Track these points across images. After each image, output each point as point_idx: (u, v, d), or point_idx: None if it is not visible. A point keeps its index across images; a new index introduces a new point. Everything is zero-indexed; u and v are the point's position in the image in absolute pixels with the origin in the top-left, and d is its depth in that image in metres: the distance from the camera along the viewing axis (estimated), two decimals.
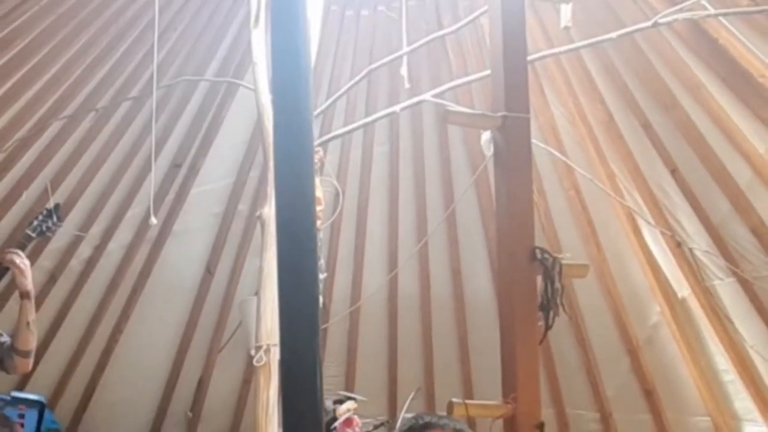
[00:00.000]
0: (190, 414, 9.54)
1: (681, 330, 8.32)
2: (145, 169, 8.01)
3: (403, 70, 7.05)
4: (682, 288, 8.06)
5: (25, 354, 5.98)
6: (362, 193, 8.83)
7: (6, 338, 6.03)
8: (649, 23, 6.32)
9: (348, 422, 6.79)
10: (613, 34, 6.51)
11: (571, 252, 6.33)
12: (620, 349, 8.68)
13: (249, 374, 8.56)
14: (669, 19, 6.26)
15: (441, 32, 7.23)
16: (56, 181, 8.01)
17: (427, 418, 3.87)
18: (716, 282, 7.80)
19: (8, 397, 7.53)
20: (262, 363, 6.44)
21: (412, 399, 7.93)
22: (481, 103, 7.31)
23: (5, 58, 7.15)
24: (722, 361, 8.17)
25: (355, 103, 8.19)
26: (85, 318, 8.97)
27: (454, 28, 7.13)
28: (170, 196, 8.55)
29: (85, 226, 8.40)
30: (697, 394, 8.55)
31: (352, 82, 7.57)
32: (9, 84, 7.31)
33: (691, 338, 8.37)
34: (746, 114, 6.92)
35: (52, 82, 7.53)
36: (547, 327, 4.93)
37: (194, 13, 7.58)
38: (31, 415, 7.51)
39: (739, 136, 7.04)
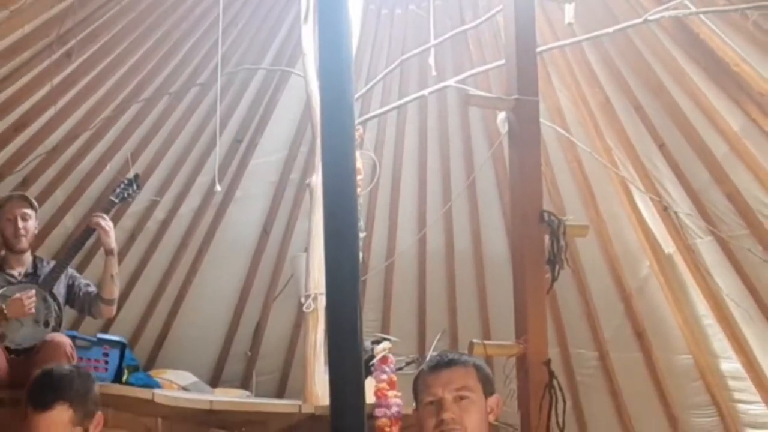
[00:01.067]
0: (249, 353, 9.87)
1: (667, 281, 8.67)
2: (211, 144, 8.22)
3: (431, 60, 7.38)
4: (668, 245, 8.40)
5: (109, 302, 6.54)
6: (395, 165, 9.14)
7: (93, 288, 6.53)
8: (640, 20, 6.77)
9: (384, 360, 6.81)
10: (609, 29, 6.93)
11: (573, 214, 7.61)
12: (615, 298, 8.99)
13: (299, 319, 8.78)
14: (657, 16, 6.72)
15: (463, 27, 7.62)
16: (135, 154, 8.17)
17: (451, 356, 3.75)
18: (697, 240, 8.15)
19: (94, 338, 7.23)
20: (310, 309, 7.16)
21: (438, 340, 8.25)
22: (496, 88, 7.43)
23: (92, 50, 7.45)
24: (702, 307, 8.51)
25: (390, 88, 8.52)
26: (159, 271, 9.33)
27: (474, 24, 7.56)
28: (232, 167, 8.89)
29: (160, 192, 8.75)
30: (681, 335, 8.86)
31: (387, 70, 8.02)
32: (95, 72, 7.62)
33: (676, 288, 8.66)
34: (723, 97, 7.32)
35: (132, 71, 7.84)
36: (553, 278, 5.61)
37: (252, 12, 7.87)
38: (114, 354, 7.12)
39: (717, 116, 7.42)
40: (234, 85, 8.41)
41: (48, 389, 3.90)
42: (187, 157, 8.72)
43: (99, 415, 3.95)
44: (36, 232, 6.75)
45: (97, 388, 4.09)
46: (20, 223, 6.44)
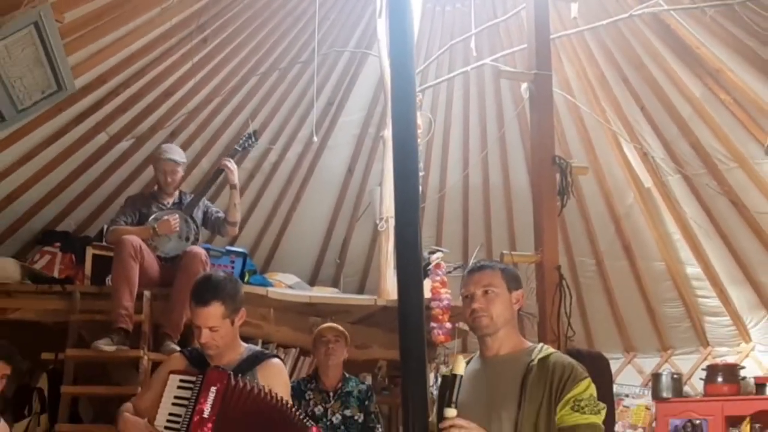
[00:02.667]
0: (338, 260, 10.90)
1: (646, 207, 9.71)
2: (310, 106, 8.95)
3: (472, 44, 8.40)
4: (647, 181, 9.40)
5: (233, 224, 7.25)
6: (446, 122, 10.00)
7: (221, 214, 7.29)
8: (626, 15, 7.73)
9: (437, 265, 7.55)
10: (604, 22, 7.90)
11: (577, 158, 8.64)
12: (609, 219, 10.03)
13: (375, 235, 9.40)
14: (639, 12, 7.64)
15: (495, 20, 8.56)
16: (253, 115, 9.18)
17: (483, 263, 3.97)
18: (668, 178, 9.25)
19: (224, 250, 7.92)
20: (383, 229, 8.05)
21: (477, 251, 9.55)
22: (521, 65, 8.15)
23: (222, 37, 8.31)
24: (672, 227, 9.65)
25: (441, 65, 9.32)
26: (271, 201, 10.28)
27: (503, 18, 8.47)
28: (326, 123, 9.69)
29: (272, 141, 9.57)
30: (656, 248, 9.98)
31: (440, 52, 8.95)
32: (224, 53, 8.48)
33: (653, 212, 9.72)
34: (687, 72, 8.39)
35: (251, 52, 8.68)
36: (562, 205, 6.88)
37: (341, 8, 8.74)
38: (238, 261, 7.82)
39: (683, 86, 8.49)
40: (327, 63, 9.11)
41: (206, 290, 4.13)
42: (292, 116, 9.56)
43: (242, 311, 4.19)
44: (182, 179, 7.43)
45: (243, 290, 4.36)
46: (169, 178, 7.11)
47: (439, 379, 4.11)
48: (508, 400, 3.59)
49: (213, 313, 4.00)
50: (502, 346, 3.71)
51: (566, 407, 3.48)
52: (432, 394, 4.61)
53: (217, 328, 4.01)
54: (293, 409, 4.08)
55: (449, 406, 3.48)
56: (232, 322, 4.11)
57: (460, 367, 3.51)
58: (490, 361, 3.75)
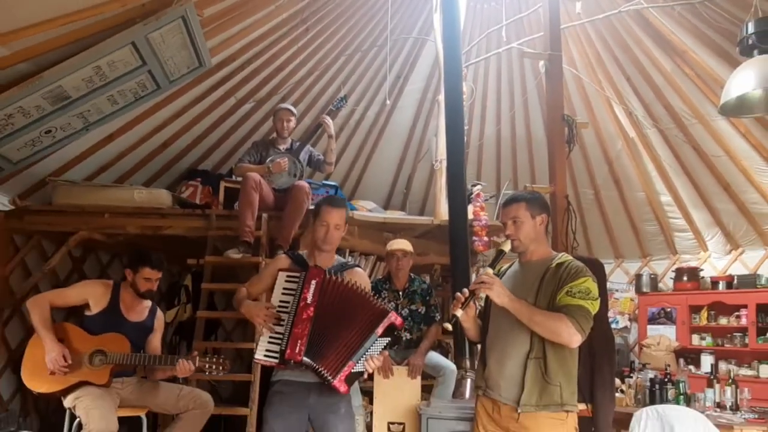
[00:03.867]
0: (405, 191, 11.46)
1: (631, 152, 10.37)
2: (384, 78, 9.69)
3: (503, 32, 9.02)
4: (632, 132, 10.10)
5: (330, 164, 7.78)
6: (483, 89, 10.50)
7: (321, 156, 7.82)
8: (616, 11, 8.30)
9: (477, 195, 8.02)
10: (600, 16, 8.45)
11: (580, 116, 9.27)
12: (603, 161, 10.74)
13: (432, 172, 9.89)
14: (626, 9, 8.15)
15: (520, 15, 9.04)
16: (343, 84, 9.72)
17: (513, 196, 4.23)
18: (647, 130, 9.95)
19: (321, 183, 8.38)
20: (438, 167, 8.51)
21: (507, 184, 10.24)
22: (539, 47, 8.18)
23: (319, 27, 8.62)
24: (650, 166, 10.36)
25: (480, 48, 9.74)
26: (356, 147, 11.02)
27: (526, 13, 8.97)
28: (395, 90, 10.19)
29: (356, 104, 10.17)
30: (638, 181, 10.65)
31: (479, 37, 9.55)
32: (320, 39, 8.90)
33: (635, 156, 10.36)
34: (660, 51, 8.92)
35: (341, 38, 9.12)
36: (569, 150, 7.55)
37: (407, 5, 9.13)
38: (332, 192, 8.16)
39: (658, 62, 9.04)
40: (397, 46, 9.51)
41: (338, 201, 4.48)
42: (371, 85, 10.10)
43: (346, 227, 4.40)
44: (294, 127, 7.85)
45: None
46: (285, 125, 7.63)
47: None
48: (531, 290, 3.98)
49: (341, 215, 4.40)
50: (532, 255, 4.13)
51: (562, 293, 3.87)
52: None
53: (340, 226, 4.39)
54: (374, 297, 4.37)
55: (491, 267, 4.08)
56: (340, 230, 4.43)
57: (506, 246, 4.08)
58: (524, 265, 4.19)
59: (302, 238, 7.28)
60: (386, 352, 4.59)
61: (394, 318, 4.19)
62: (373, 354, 4.20)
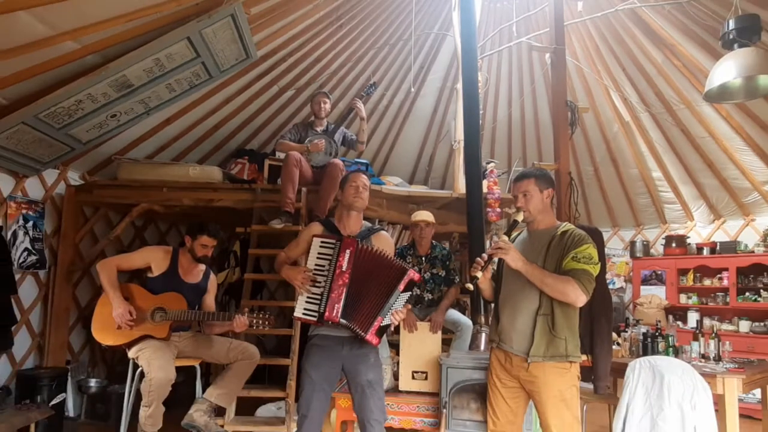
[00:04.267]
0: (427, 167, 11.36)
1: (626, 133, 10.26)
2: (408, 68, 9.71)
3: (513, 28, 9.18)
4: (626, 116, 10.01)
5: (362, 143, 7.76)
6: (496, 78, 10.37)
7: (354, 136, 7.75)
8: (613, 9, 8.30)
9: (491, 171, 7.87)
10: (599, 14, 8.48)
11: (581, 102, 9.56)
12: (601, 141, 10.62)
13: (451, 151, 9.78)
14: (622, 8, 8.16)
15: (529, 13, 9.01)
16: (373, 73, 9.63)
17: (523, 172, 4.20)
18: (641, 114, 9.84)
19: (353, 161, 8.13)
20: (456, 147, 8.29)
21: (517, 162, 10.27)
22: (546, 41, 8.15)
23: (351, 24, 8.62)
24: (643, 146, 10.28)
25: (494, 42, 9.57)
26: (384, 129, 10.99)
27: (534, 11, 8.95)
28: (419, 79, 10.16)
29: (385, 90, 10.12)
30: (633, 159, 10.55)
31: (493, 33, 9.48)
32: (354, 34, 8.87)
33: (630, 137, 10.27)
34: (652, 46, 8.73)
35: (372, 33, 9.07)
36: (572, 132, 7.80)
37: (429, 4, 8.95)
38: (363, 168, 7.82)
39: (650, 54, 8.87)
40: (420, 40, 9.49)
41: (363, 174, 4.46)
42: (398, 74, 10.05)
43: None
44: (329, 110, 7.81)
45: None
46: (322, 107, 7.60)
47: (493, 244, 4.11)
48: (539, 255, 4.02)
49: (365, 180, 4.50)
50: (539, 224, 4.17)
51: (568, 258, 3.90)
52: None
53: (366, 187, 4.48)
54: (396, 259, 4.37)
55: (506, 234, 4.09)
56: (367, 190, 4.49)
57: (519, 216, 4.13)
58: (532, 233, 4.22)
59: (337, 209, 7.02)
60: (409, 306, 4.51)
61: (412, 275, 4.27)
62: (397, 308, 4.27)
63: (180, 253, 5.83)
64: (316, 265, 4.31)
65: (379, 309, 4.24)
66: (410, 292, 4.34)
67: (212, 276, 6.07)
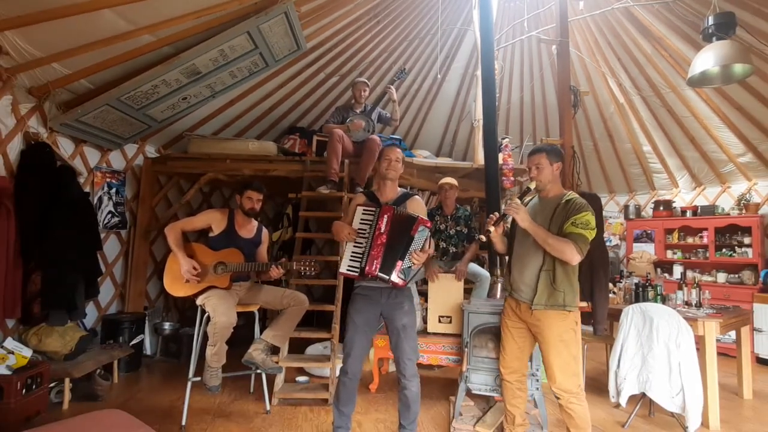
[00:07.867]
0: (452, 143, 11.24)
1: (621, 113, 10.11)
2: (435, 57, 9.63)
3: (525, 24, 9.11)
4: (621, 98, 9.83)
5: (395, 121, 7.68)
6: (510, 67, 10.12)
7: (389, 114, 7.68)
8: (610, 8, 8.37)
9: (506, 146, 7.87)
10: (597, 12, 8.54)
11: (582, 86, 9.71)
12: (600, 120, 10.44)
13: (472, 129, 10.07)
14: (617, 6, 8.21)
15: (538, 11, 9.02)
16: (404, 62, 9.38)
17: (534, 147, 4.19)
18: (633, 97, 9.67)
19: (389, 137, 8.29)
20: (476, 125, 8.16)
21: (528, 138, 10.52)
22: (552, 35, 7.93)
23: (387, 19, 8.51)
24: (635, 124, 10.08)
25: (508, 35, 9.44)
26: (415, 109, 10.70)
27: (542, 9, 8.96)
28: (445, 67, 9.99)
29: (415, 76, 9.90)
30: (626, 135, 10.38)
31: (507, 27, 9.44)
32: (388, 29, 8.74)
33: (624, 116, 10.09)
34: (643, 38, 8.58)
35: (404, 29, 8.92)
36: (575, 112, 7.71)
37: (453, 3, 8.82)
38: (397, 142, 7.90)
39: (640, 46, 8.73)
40: (445, 34, 9.37)
41: (395, 146, 4.45)
42: (426, 63, 9.83)
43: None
44: (368, 95, 7.60)
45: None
46: (362, 93, 7.47)
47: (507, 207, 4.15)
48: (547, 218, 4.06)
49: (397, 152, 4.46)
50: (549, 192, 4.21)
51: (568, 223, 3.94)
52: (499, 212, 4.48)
53: (399, 159, 4.44)
54: (413, 213, 4.27)
55: (520, 198, 4.15)
56: (399, 162, 4.45)
57: (532, 185, 4.17)
58: (542, 200, 4.24)
59: (375, 179, 7.09)
60: (430, 250, 4.27)
61: (421, 220, 4.27)
62: (415, 249, 4.22)
63: (235, 213, 5.78)
64: (359, 228, 4.37)
65: (399, 254, 4.23)
66: (425, 237, 4.32)
67: (264, 231, 6.02)
